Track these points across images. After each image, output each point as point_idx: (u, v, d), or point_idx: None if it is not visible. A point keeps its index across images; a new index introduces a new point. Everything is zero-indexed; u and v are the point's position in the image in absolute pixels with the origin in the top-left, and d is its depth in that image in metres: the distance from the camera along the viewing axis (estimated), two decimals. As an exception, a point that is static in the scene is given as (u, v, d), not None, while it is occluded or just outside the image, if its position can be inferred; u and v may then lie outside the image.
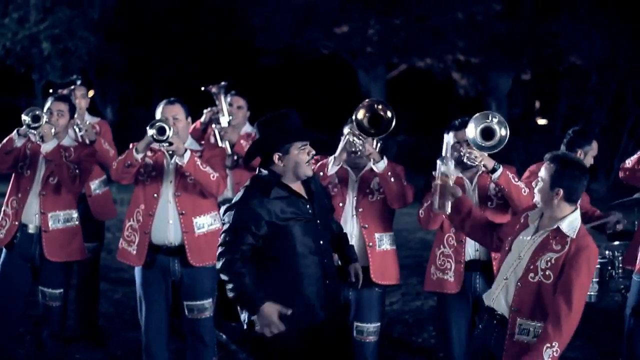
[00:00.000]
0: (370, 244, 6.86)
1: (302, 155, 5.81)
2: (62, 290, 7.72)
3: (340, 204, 6.89)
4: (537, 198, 5.67)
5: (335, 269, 6.03)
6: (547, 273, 5.52)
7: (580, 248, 5.49)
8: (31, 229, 7.60)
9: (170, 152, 7.10)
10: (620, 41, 19.46)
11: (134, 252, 7.24)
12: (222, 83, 8.90)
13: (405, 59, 25.21)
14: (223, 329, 8.70)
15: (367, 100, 6.84)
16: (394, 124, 6.68)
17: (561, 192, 5.54)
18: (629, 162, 7.20)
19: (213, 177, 7.10)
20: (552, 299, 5.48)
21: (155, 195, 7.18)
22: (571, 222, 5.57)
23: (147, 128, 6.97)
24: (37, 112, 7.42)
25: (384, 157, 6.76)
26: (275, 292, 5.65)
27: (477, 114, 6.55)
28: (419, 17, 23.59)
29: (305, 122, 8.47)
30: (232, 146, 8.67)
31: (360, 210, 6.88)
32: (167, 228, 7.16)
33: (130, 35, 25.52)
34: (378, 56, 24.85)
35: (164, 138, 6.95)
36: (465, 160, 6.56)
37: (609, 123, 19.41)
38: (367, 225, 6.88)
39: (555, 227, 5.57)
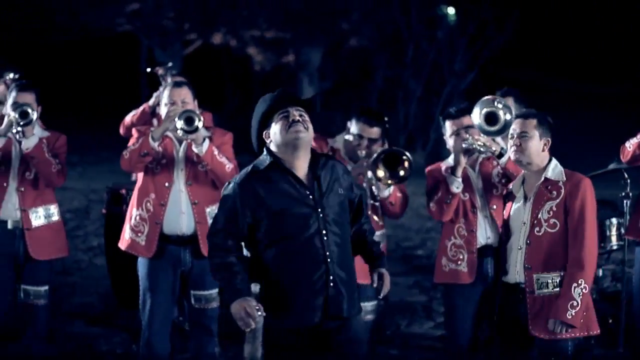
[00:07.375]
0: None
1: (280, 122, 5.27)
2: (47, 287, 7.36)
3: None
4: (526, 156, 5.75)
5: (348, 272, 5.35)
6: (551, 222, 5.68)
7: (574, 184, 5.69)
8: (10, 225, 7.20)
9: (188, 139, 6.79)
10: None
11: (143, 242, 6.92)
12: (169, 64, 8.63)
13: (202, 36, 25.00)
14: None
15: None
16: None
17: (549, 141, 5.79)
18: (629, 146, 6.89)
19: (228, 168, 6.84)
20: (562, 246, 5.65)
21: (167, 184, 6.87)
22: (553, 168, 5.77)
23: (175, 119, 6.65)
24: (26, 109, 6.93)
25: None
26: (269, 288, 5.33)
27: (482, 99, 6.43)
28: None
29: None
30: None
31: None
32: (180, 218, 6.88)
33: None
34: (174, 33, 24.54)
35: (193, 128, 6.62)
36: (468, 146, 6.48)
37: (424, 94, 19.93)
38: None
39: (542, 179, 5.74)
